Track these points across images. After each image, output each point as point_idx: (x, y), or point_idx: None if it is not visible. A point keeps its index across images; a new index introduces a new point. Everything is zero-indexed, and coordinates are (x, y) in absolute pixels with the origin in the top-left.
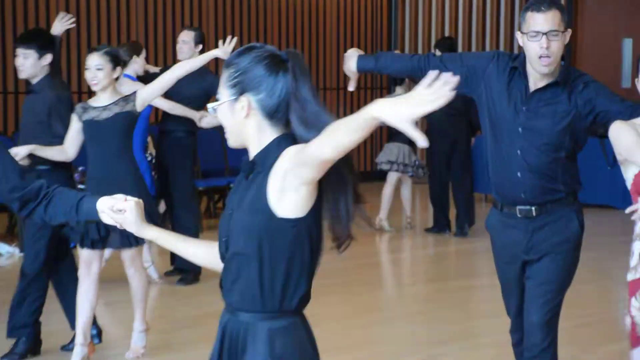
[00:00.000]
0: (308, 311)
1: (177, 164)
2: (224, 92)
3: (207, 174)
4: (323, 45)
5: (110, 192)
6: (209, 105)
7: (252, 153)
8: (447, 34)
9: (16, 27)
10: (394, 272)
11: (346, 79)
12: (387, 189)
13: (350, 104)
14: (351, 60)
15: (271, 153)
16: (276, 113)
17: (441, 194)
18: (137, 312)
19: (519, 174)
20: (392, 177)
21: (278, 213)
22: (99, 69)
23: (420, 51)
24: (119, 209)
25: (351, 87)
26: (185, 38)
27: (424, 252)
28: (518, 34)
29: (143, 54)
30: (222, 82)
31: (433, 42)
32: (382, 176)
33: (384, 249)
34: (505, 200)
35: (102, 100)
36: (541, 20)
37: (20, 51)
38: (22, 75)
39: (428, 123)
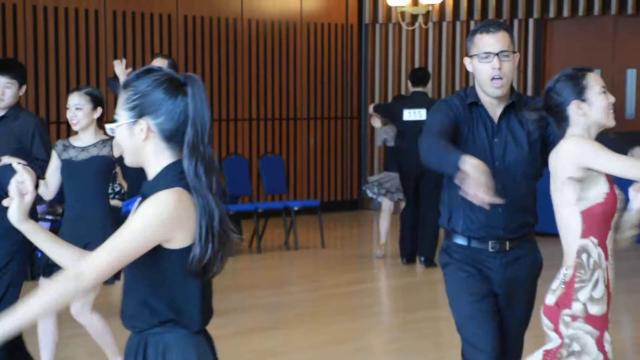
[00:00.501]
0: (276, 341)
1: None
2: (122, 113)
3: None
4: (293, 76)
5: (83, 231)
6: (107, 127)
7: (150, 175)
8: (417, 64)
9: None
10: (363, 302)
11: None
12: (384, 217)
13: (322, 133)
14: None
15: (159, 182)
16: (174, 137)
17: (409, 223)
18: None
19: (500, 210)
20: (385, 205)
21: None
22: (78, 109)
23: (390, 82)
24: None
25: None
26: (160, 65)
27: (394, 281)
28: (466, 60)
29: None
30: (120, 103)
31: (403, 72)
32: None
33: (353, 279)
34: (477, 235)
35: (83, 140)
36: (492, 41)
37: (4, 81)
38: (3, 105)
39: (398, 150)
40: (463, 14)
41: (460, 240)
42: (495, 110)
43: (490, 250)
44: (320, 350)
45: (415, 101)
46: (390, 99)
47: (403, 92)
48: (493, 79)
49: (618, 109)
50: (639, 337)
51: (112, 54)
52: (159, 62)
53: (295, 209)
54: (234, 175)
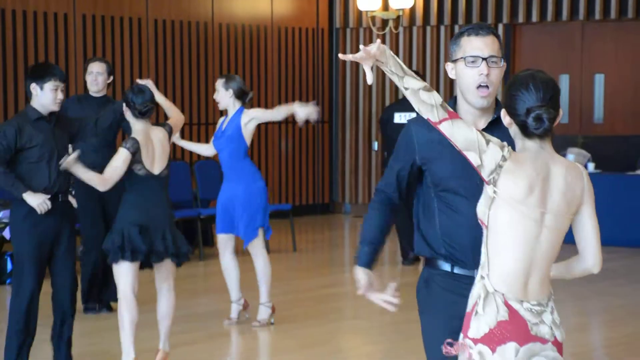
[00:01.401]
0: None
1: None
2: None
3: (176, 206)
4: (265, 80)
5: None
6: None
7: None
8: None
9: None
10: (335, 305)
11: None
12: None
13: (293, 137)
14: (359, 274)
15: None
16: None
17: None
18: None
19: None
20: None
21: None
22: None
23: (361, 86)
24: None
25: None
26: (100, 70)
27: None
28: (449, 66)
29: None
30: None
31: (374, 75)
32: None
33: (325, 283)
34: (460, 262)
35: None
36: (480, 45)
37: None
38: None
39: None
40: (433, 19)
41: (445, 265)
42: (480, 121)
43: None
44: (291, 354)
45: (406, 104)
46: (361, 103)
47: (374, 96)
48: (479, 86)
49: (587, 114)
50: (610, 339)
51: (81, 58)
52: (100, 67)
53: None
54: (206, 179)
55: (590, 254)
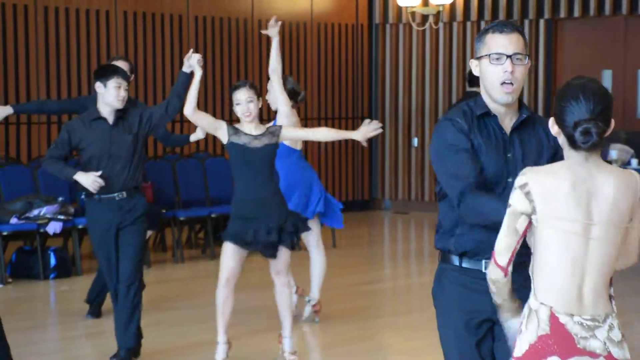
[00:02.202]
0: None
1: None
2: None
3: (188, 204)
4: (304, 76)
5: (257, 213)
6: None
7: None
8: (427, 64)
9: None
10: (375, 302)
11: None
12: None
13: None
14: None
15: None
16: None
17: None
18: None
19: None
20: None
21: None
22: (250, 102)
23: (400, 82)
24: None
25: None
26: (122, 67)
27: (406, 282)
28: (473, 63)
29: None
30: None
31: (414, 72)
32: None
33: (365, 280)
34: (476, 255)
35: (251, 129)
36: (505, 42)
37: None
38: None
39: None
40: (474, 15)
41: (456, 260)
42: (504, 120)
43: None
44: (332, 350)
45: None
46: (401, 99)
47: (413, 92)
48: (503, 83)
49: (630, 109)
50: None
51: (122, 55)
52: (121, 64)
53: None
54: (216, 177)
55: (633, 252)
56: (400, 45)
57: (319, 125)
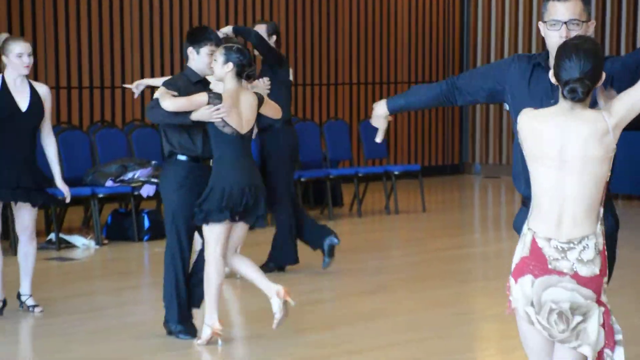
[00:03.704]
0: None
1: (275, 156)
2: None
3: (305, 166)
4: (395, 39)
5: None
6: None
7: None
8: (520, 28)
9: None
10: (464, 267)
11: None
12: None
13: None
14: (379, 105)
15: None
16: None
17: None
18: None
19: None
20: None
21: None
22: None
23: (492, 45)
24: None
25: (379, 139)
26: (258, 30)
27: (495, 247)
28: (540, 25)
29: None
30: None
31: (506, 35)
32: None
33: (454, 244)
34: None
35: None
36: (562, 9)
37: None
38: None
39: None
40: None
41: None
42: None
43: None
44: (420, 314)
45: None
46: (493, 61)
47: (505, 53)
48: None
49: None
50: None
51: (214, 17)
52: (258, 28)
53: (396, 173)
54: (335, 139)
55: None
56: (492, 8)
57: (409, 85)
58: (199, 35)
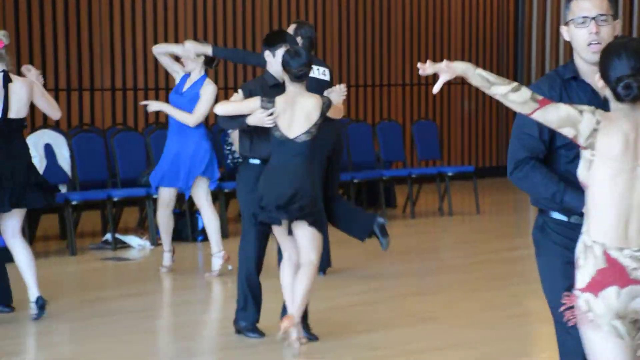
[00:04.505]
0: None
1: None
2: None
3: (358, 167)
4: (448, 40)
5: None
6: None
7: None
8: None
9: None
10: (519, 269)
11: None
12: None
13: (476, 98)
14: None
15: None
16: None
17: None
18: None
19: None
20: None
21: None
22: None
23: (547, 44)
24: None
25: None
26: (289, 32)
27: None
28: (563, 29)
29: None
30: None
31: (562, 43)
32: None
33: (509, 246)
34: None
35: None
36: (588, 6)
37: None
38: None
39: None
40: None
41: (559, 215)
42: (594, 77)
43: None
44: (475, 316)
45: None
46: (547, 60)
47: (561, 54)
48: (590, 44)
49: None
50: None
51: (265, 16)
52: (290, 29)
53: (450, 174)
54: (388, 140)
55: None
56: (547, 6)
57: (463, 88)
58: (275, 38)
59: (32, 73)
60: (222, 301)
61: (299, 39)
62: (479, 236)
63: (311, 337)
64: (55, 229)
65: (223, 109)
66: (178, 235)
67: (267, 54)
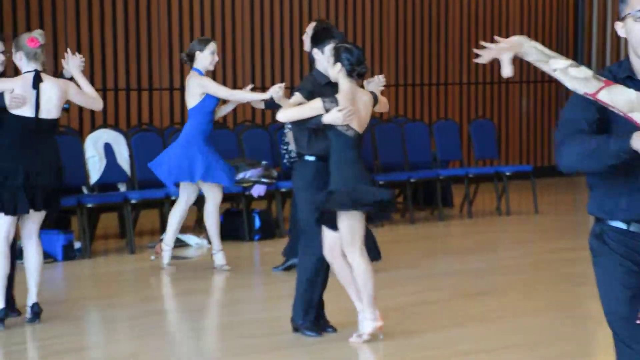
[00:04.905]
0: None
1: None
2: None
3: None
4: (506, 33)
5: None
6: None
7: None
8: None
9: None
10: (578, 269)
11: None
12: None
13: (534, 97)
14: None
15: None
16: None
17: None
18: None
19: None
20: None
21: None
22: None
23: (608, 43)
24: None
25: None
26: (308, 30)
27: None
28: (618, 25)
29: (209, 49)
30: None
31: (623, 39)
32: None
33: (568, 246)
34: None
35: None
36: None
37: None
38: None
39: None
40: None
41: (618, 223)
42: None
43: None
44: (533, 317)
45: None
46: (608, 58)
47: (622, 53)
48: None
49: None
50: None
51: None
52: (309, 27)
53: (507, 174)
54: (445, 140)
55: None
56: (608, 4)
57: (521, 87)
58: (322, 35)
59: (74, 60)
60: (278, 299)
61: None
62: (537, 236)
63: (330, 328)
64: (114, 227)
65: (285, 116)
66: (235, 235)
67: (316, 52)
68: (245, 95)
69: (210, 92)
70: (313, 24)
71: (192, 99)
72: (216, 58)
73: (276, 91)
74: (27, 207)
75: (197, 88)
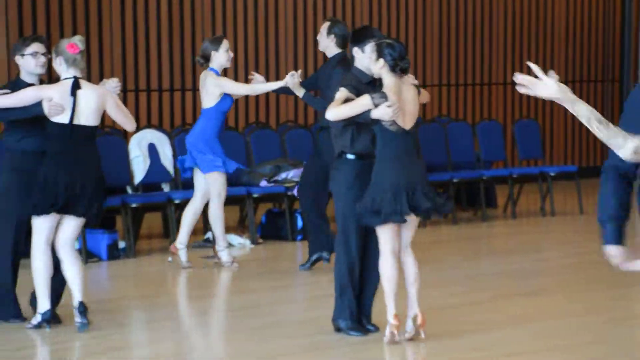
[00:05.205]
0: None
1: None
2: None
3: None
4: (551, 37)
5: None
6: None
7: None
8: None
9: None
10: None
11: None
12: None
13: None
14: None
15: None
16: None
17: None
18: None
19: None
20: None
21: None
22: None
23: None
24: None
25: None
26: (322, 30)
27: None
28: None
29: (224, 47)
30: None
31: None
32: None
33: None
34: None
35: None
36: None
37: None
38: None
39: None
40: None
41: None
42: None
43: None
44: (578, 318)
45: None
46: None
47: None
48: None
49: None
50: None
51: (365, 14)
52: (323, 27)
53: (552, 174)
54: (489, 140)
55: None
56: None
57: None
58: (362, 34)
59: (109, 83)
60: (320, 299)
61: (332, 37)
62: (582, 237)
63: (372, 327)
64: (158, 227)
65: (335, 114)
66: (277, 234)
67: (356, 51)
68: (264, 86)
69: (232, 91)
70: (327, 24)
71: (209, 100)
72: (231, 54)
73: (292, 79)
74: (64, 209)
75: (216, 89)
